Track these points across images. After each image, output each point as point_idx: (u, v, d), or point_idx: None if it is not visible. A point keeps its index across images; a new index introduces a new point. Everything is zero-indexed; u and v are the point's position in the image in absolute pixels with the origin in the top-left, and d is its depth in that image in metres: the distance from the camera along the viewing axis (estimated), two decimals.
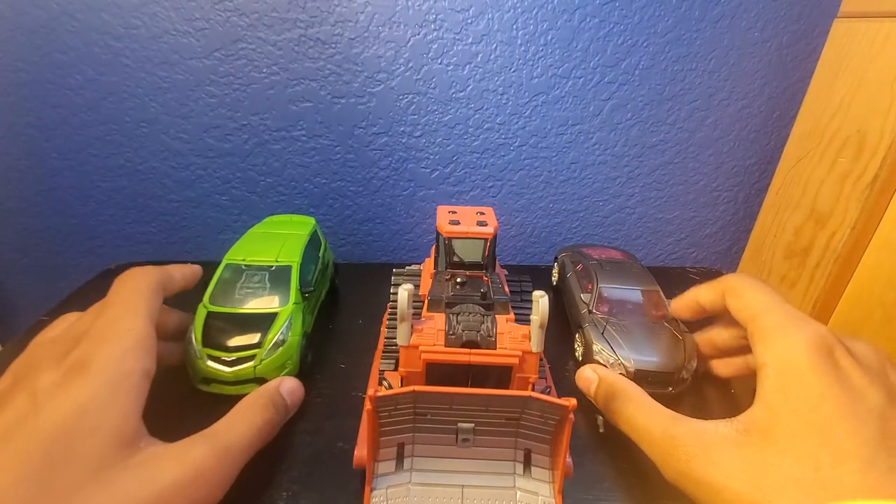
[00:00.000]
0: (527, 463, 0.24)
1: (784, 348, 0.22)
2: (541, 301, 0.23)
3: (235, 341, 0.32)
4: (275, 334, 0.33)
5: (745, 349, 0.30)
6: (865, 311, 0.43)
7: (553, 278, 0.50)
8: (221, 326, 0.33)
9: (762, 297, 0.25)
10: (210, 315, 0.33)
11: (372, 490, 0.23)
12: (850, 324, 0.44)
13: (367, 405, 0.22)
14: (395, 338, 0.25)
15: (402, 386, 0.25)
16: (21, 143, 0.50)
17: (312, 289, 0.38)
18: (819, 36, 0.49)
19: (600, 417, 0.34)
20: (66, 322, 0.27)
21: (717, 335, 0.32)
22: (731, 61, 0.51)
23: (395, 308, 0.24)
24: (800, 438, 0.20)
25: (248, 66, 0.48)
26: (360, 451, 0.25)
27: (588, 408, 0.35)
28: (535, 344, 0.24)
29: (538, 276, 0.53)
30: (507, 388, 0.25)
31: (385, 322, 0.33)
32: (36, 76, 0.47)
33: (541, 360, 0.27)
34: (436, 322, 0.25)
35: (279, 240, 0.40)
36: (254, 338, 0.32)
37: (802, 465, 0.19)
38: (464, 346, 0.24)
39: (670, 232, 0.60)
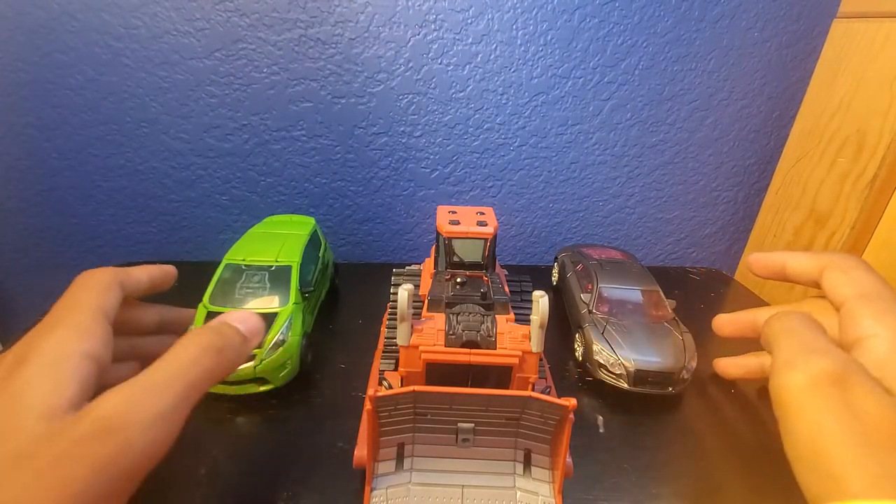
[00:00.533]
0: (527, 463, 0.24)
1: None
2: (541, 301, 0.23)
3: None
4: (275, 334, 0.33)
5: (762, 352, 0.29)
6: None
7: (553, 278, 0.50)
8: None
9: (872, 281, 0.25)
10: (210, 315, 0.33)
11: (372, 490, 0.23)
12: None
13: (367, 405, 0.22)
14: (395, 338, 0.25)
15: (402, 386, 0.25)
16: (21, 142, 0.50)
17: (312, 289, 0.38)
18: (818, 36, 0.49)
19: (600, 417, 0.34)
20: None
21: (762, 317, 0.30)
22: (730, 61, 0.51)
23: (395, 308, 0.24)
24: None
25: (249, 67, 0.48)
26: (360, 451, 0.25)
27: (588, 408, 0.35)
28: (535, 344, 0.24)
29: (538, 276, 0.53)
30: (507, 388, 0.25)
31: (385, 322, 0.33)
32: (36, 76, 0.47)
33: (541, 360, 0.27)
34: (436, 322, 0.25)
35: (279, 240, 0.40)
36: None
37: None
38: (464, 346, 0.24)
39: (670, 232, 0.60)
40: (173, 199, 0.54)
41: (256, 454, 0.29)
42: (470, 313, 0.26)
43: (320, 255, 0.43)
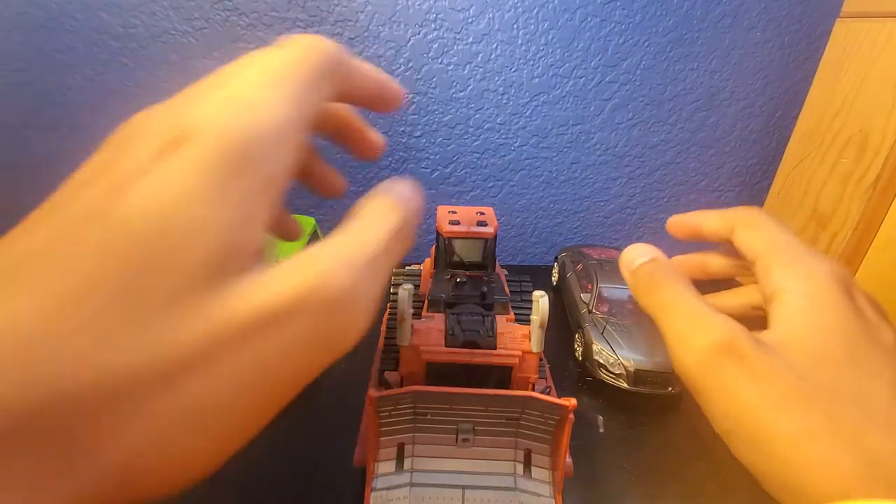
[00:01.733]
0: (527, 463, 0.24)
1: (807, 275, 0.22)
2: (541, 301, 0.23)
3: None
4: None
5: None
6: None
7: (553, 278, 0.50)
8: None
9: (781, 232, 0.24)
10: None
11: (372, 490, 0.23)
12: None
13: (367, 405, 0.22)
14: (395, 338, 0.24)
15: (402, 386, 0.25)
16: (19, 143, 0.50)
17: None
18: (821, 36, 0.49)
19: (600, 417, 0.33)
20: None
21: (712, 261, 0.30)
22: (732, 61, 0.51)
23: (395, 308, 0.24)
24: (831, 357, 0.20)
25: None
26: (361, 451, 0.25)
27: (588, 408, 0.34)
28: (535, 344, 0.24)
29: (538, 276, 0.52)
30: (507, 388, 0.25)
31: (385, 322, 0.33)
32: (35, 76, 0.47)
33: (541, 360, 0.27)
34: (436, 322, 0.25)
35: (279, 240, 0.39)
36: None
37: (836, 382, 0.19)
38: (464, 346, 0.24)
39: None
40: None
41: (256, 453, 0.29)
42: (470, 313, 0.25)
43: None
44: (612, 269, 0.41)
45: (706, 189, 0.57)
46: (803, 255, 0.23)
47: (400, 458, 0.24)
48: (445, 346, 0.24)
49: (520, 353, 0.24)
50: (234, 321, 0.12)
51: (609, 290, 0.39)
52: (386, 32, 0.47)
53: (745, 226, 0.26)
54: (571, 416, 0.22)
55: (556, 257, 0.50)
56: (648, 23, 0.48)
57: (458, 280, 0.28)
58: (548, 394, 0.24)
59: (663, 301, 0.22)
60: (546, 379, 0.29)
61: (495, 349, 0.24)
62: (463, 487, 0.24)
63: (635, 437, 0.32)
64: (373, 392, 0.22)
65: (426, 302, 0.27)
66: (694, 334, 0.20)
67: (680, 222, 0.30)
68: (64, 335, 0.10)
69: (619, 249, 0.47)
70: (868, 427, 0.18)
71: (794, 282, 0.22)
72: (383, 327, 0.33)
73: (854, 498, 0.17)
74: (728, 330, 0.20)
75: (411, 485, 0.24)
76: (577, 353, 0.38)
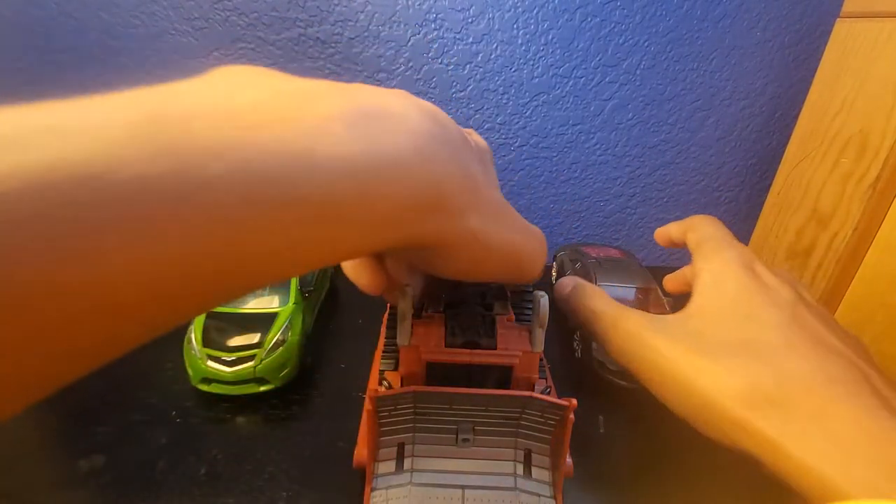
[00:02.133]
0: (527, 463, 0.24)
1: (717, 259, 0.28)
2: (541, 301, 0.23)
3: (235, 341, 0.32)
4: (275, 334, 0.32)
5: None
6: (867, 312, 0.43)
7: (552, 277, 0.50)
8: (221, 326, 0.33)
9: (710, 230, 0.30)
10: (210, 315, 0.33)
11: (372, 490, 0.23)
12: (852, 325, 0.44)
13: (367, 405, 0.22)
14: (395, 338, 0.25)
15: (402, 386, 0.25)
16: None
17: (312, 288, 0.38)
18: (821, 36, 0.49)
19: (601, 417, 0.33)
20: None
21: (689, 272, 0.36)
22: (732, 61, 0.51)
23: (395, 308, 0.24)
24: (729, 315, 0.25)
25: None
26: (360, 451, 0.25)
27: (588, 407, 0.34)
28: (536, 343, 0.24)
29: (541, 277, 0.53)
30: (507, 388, 0.25)
31: (385, 322, 0.33)
32: (34, 75, 0.47)
33: (541, 359, 0.27)
34: (436, 322, 0.25)
35: None
36: (254, 338, 0.32)
37: (732, 333, 0.24)
38: (464, 346, 0.24)
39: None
40: None
41: (256, 454, 0.29)
42: (470, 313, 0.25)
43: None
44: (611, 268, 0.41)
45: (706, 189, 0.57)
46: (720, 245, 0.29)
47: (400, 458, 0.24)
48: (445, 346, 0.24)
49: (520, 352, 0.24)
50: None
51: (608, 288, 0.39)
52: (386, 32, 0.47)
53: (689, 229, 0.32)
54: (571, 416, 0.22)
55: (555, 256, 0.50)
56: (648, 23, 0.48)
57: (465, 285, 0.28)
58: (548, 394, 0.24)
59: (591, 309, 0.28)
60: (546, 379, 0.29)
61: (495, 349, 0.24)
62: (463, 487, 0.24)
63: (636, 437, 0.32)
64: (372, 392, 0.22)
65: (425, 302, 0.27)
66: (617, 324, 0.26)
67: (659, 233, 0.37)
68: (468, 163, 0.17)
69: (618, 248, 0.48)
70: (754, 364, 0.22)
71: (707, 265, 0.28)
72: (383, 328, 0.33)
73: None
74: (636, 315, 0.26)
75: (411, 484, 0.24)
76: (576, 353, 0.38)
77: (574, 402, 0.22)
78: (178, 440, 0.30)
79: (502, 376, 0.24)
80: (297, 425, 0.32)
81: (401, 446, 0.24)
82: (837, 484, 0.19)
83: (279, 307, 0.34)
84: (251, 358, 0.32)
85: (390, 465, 0.24)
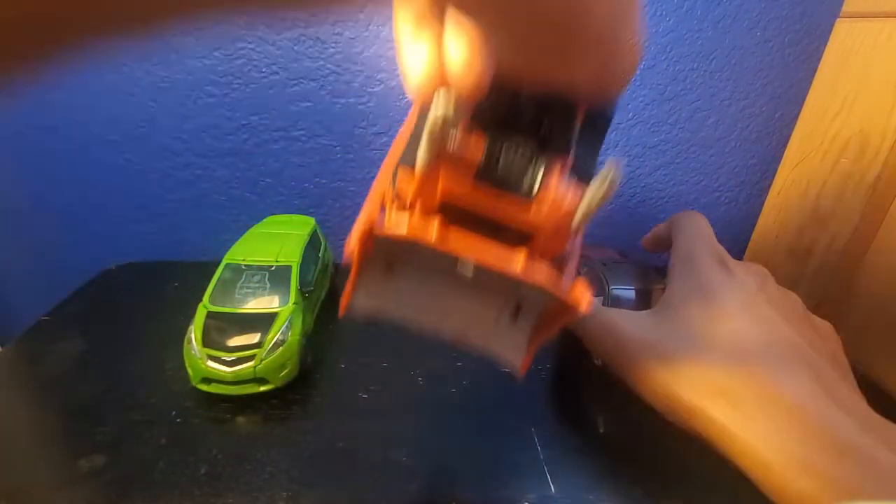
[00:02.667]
0: (514, 315, 0.23)
1: (688, 252, 0.30)
2: (613, 172, 0.18)
3: (235, 341, 0.32)
4: (275, 334, 0.32)
5: None
6: (867, 312, 0.43)
7: None
8: (221, 326, 0.33)
9: (687, 222, 0.32)
10: (210, 315, 0.33)
11: (354, 292, 0.22)
12: (853, 325, 0.44)
13: (357, 244, 0.18)
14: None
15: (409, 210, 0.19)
16: (22, 142, 0.50)
17: (312, 288, 0.38)
18: (821, 36, 0.49)
19: (600, 417, 0.33)
20: None
21: None
22: (732, 61, 0.51)
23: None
24: (691, 305, 0.27)
25: (248, 66, 0.48)
26: (349, 248, 0.20)
27: (590, 408, 0.34)
28: (581, 213, 0.19)
29: None
30: (528, 247, 0.20)
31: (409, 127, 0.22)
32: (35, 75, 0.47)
33: (578, 238, 0.23)
34: (472, 147, 0.18)
35: (279, 240, 0.40)
36: (254, 338, 0.32)
37: (693, 325, 0.26)
38: (496, 185, 0.18)
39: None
40: (172, 199, 0.54)
41: (256, 454, 0.29)
42: (518, 147, 0.19)
43: (320, 255, 0.43)
44: (619, 271, 0.40)
45: (706, 189, 0.57)
46: (689, 236, 0.31)
47: (389, 271, 0.22)
48: (474, 182, 0.18)
49: (559, 216, 0.19)
50: None
51: (621, 291, 0.38)
52: (386, 32, 0.47)
53: (675, 227, 0.33)
54: (575, 313, 0.20)
55: None
56: (648, 23, 0.48)
57: (521, 97, 0.20)
58: (569, 281, 0.20)
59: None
60: (573, 260, 0.23)
61: (531, 201, 0.18)
62: (446, 314, 0.23)
63: (639, 438, 0.32)
64: (368, 228, 0.18)
65: (467, 118, 0.18)
66: (588, 322, 0.29)
67: (647, 239, 0.39)
68: None
69: (615, 249, 0.47)
70: (708, 355, 0.24)
71: (678, 258, 0.30)
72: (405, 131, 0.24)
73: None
74: (608, 312, 0.29)
75: (399, 291, 0.22)
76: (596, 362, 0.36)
77: (585, 304, 0.19)
78: (178, 440, 0.30)
79: (525, 234, 0.20)
80: (298, 425, 0.32)
81: (390, 262, 0.22)
82: (775, 462, 0.21)
83: (279, 307, 0.34)
84: (251, 358, 0.31)
85: (377, 277, 0.22)
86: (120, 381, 0.35)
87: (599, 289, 0.39)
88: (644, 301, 0.38)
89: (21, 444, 0.30)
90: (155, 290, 0.47)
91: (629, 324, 0.27)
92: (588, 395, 0.36)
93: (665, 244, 0.35)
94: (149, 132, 0.50)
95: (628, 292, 0.38)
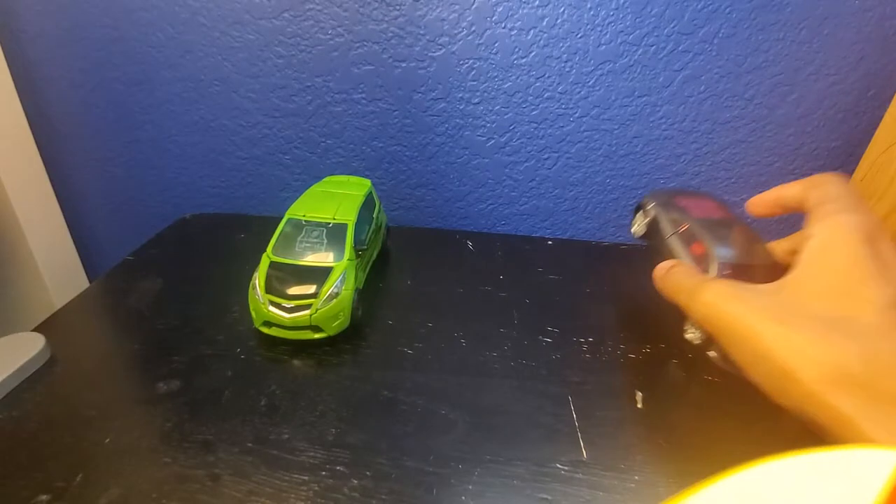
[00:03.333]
0: None
1: (834, 224, 0.25)
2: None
3: (294, 290, 0.34)
4: (329, 286, 0.35)
5: None
6: None
7: (634, 230, 0.41)
8: (282, 276, 0.35)
9: (836, 189, 0.27)
10: (272, 265, 0.36)
11: None
12: None
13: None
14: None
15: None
16: (109, 96, 0.54)
17: (366, 247, 0.40)
18: None
19: (639, 393, 0.33)
20: None
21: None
22: (824, 31, 0.46)
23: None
24: (830, 291, 0.24)
25: (315, 28, 0.49)
26: None
27: (627, 383, 0.34)
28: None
29: (590, 252, 0.52)
30: None
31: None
32: (123, 33, 0.51)
33: None
34: None
35: (337, 199, 0.41)
36: (310, 288, 0.34)
37: (827, 308, 0.23)
38: None
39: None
40: (241, 155, 0.57)
41: (310, 393, 0.32)
42: None
43: (374, 216, 0.44)
44: (723, 232, 0.35)
45: (779, 171, 0.54)
46: (842, 208, 0.26)
47: None
48: None
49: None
50: None
51: (726, 258, 0.32)
52: None
53: (813, 186, 0.29)
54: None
55: (640, 205, 0.41)
56: None
57: None
58: None
59: (672, 284, 0.30)
60: None
61: None
62: None
63: (677, 416, 0.32)
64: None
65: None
66: (695, 296, 0.27)
67: (761, 200, 0.34)
68: None
69: (712, 198, 0.40)
70: (842, 341, 0.22)
71: (820, 229, 0.25)
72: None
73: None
74: (717, 284, 0.27)
75: None
76: (692, 337, 0.32)
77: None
78: (242, 374, 0.33)
79: None
80: (347, 371, 0.34)
81: None
82: None
83: (334, 262, 0.36)
84: (308, 307, 0.34)
85: None
86: (192, 318, 0.38)
87: (703, 253, 0.34)
88: (747, 272, 0.31)
89: (109, 367, 0.34)
90: (224, 238, 0.51)
91: (743, 301, 0.25)
92: (628, 371, 0.36)
93: (791, 208, 0.31)
94: (222, 90, 0.53)
95: (732, 259, 0.32)
